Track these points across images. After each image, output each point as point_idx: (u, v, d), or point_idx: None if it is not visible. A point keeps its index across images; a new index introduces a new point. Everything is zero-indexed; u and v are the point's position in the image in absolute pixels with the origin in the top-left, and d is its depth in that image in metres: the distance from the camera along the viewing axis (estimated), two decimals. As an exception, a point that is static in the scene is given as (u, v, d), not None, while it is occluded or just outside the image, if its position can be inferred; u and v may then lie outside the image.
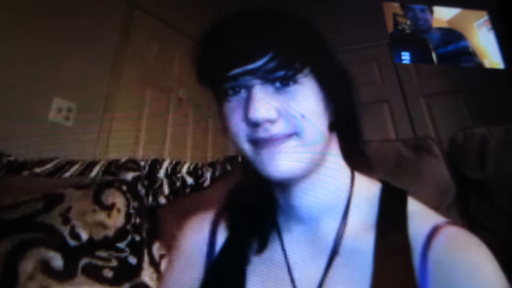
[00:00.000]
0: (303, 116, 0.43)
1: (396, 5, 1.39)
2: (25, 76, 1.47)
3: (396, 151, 0.95)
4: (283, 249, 0.49)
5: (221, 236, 0.54)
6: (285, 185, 0.48)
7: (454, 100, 2.35)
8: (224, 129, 0.47)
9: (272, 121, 0.42)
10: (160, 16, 2.21)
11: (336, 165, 0.50)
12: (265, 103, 0.42)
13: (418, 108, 2.42)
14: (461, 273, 0.40)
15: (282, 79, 0.42)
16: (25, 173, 1.01)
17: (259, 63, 0.41)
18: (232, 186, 0.57)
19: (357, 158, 0.52)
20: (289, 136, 0.43)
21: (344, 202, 0.49)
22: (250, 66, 0.42)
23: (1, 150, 1.07)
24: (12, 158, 1.06)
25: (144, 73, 2.05)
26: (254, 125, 0.42)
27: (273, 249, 0.50)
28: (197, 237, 0.55)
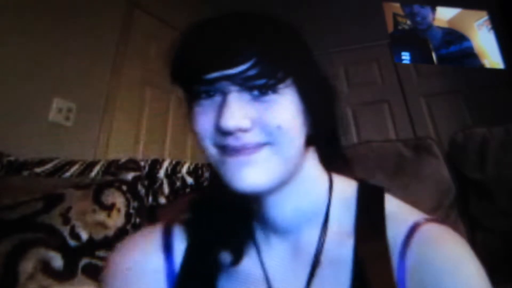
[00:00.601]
0: (279, 127, 0.39)
1: (396, 5, 1.39)
2: (25, 76, 1.47)
3: (396, 151, 0.95)
4: (261, 261, 0.46)
5: (179, 245, 0.49)
6: (255, 196, 0.44)
7: (454, 100, 2.35)
8: (191, 131, 0.43)
9: (244, 130, 0.39)
10: (160, 16, 2.21)
11: (313, 175, 0.48)
12: (239, 111, 0.39)
13: (418, 108, 2.42)
14: (440, 271, 0.39)
15: (261, 88, 0.39)
16: (25, 173, 1.01)
17: (239, 69, 0.38)
18: (201, 190, 0.53)
19: (335, 161, 0.50)
20: (262, 145, 0.40)
21: (323, 209, 0.47)
22: (229, 72, 0.39)
23: (1, 150, 1.07)
24: (12, 158, 1.06)
25: (144, 73, 2.05)
26: (224, 133, 0.39)
27: (249, 260, 0.47)
28: (148, 255, 0.49)
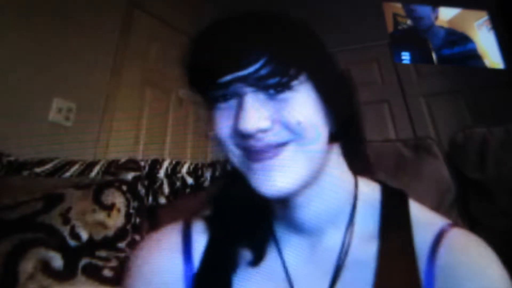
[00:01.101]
0: (299, 123, 0.39)
1: (396, 5, 1.39)
2: (25, 76, 1.47)
3: (396, 151, 0.95)
4: (283, 261, 0.46)
5: (198, 243, 0.49)
6: (282, 199, 0.44)
7: (454, 100, 2.35)
8: (208, 135, 0.43)
9: (264, 131, 0.39)
10: (160, 16, 2.21)
11: (338, 175, 0.47)
12: (257, 112, 0.38)
13: (418, 108, 2.42)
14: (469, 277, 0.40)
15: (275, 86, 0.39)
16: (25, 173, 1.01)
17: (251, 69, 0.38)
18: (219, 188, 0.52)
19: (359, 162, 0.50)
20: (284, 143, 0.39)
21: (347, 210, 0.47)
22: (241, 73, 0.38)
23: (1, 150, 1.07)
24: (12, 158, 1.06)
25: (144, 73, 2.05)
26: (244, 136, 0.39)
27: (270, 259, 0.46)
28: (167, 252, 0.49)
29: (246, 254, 0.46)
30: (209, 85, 0.41)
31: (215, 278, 0.46)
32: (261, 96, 0.40)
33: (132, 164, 1.05)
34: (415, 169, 0.91)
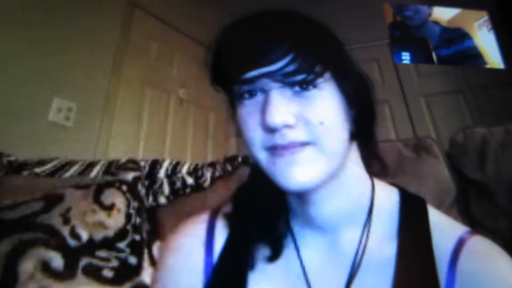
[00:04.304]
0: (321, 123, 0.40)
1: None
2: (25, 76, 1.47)
3: (396, 151, 0.95)
4: (300, 258, 0.47)
5: (220, 237, 0.51)
6: (301, 194, 0.45)
7: (454, 100, 2.35)
8: (237, 134, 0.44)
9: (289, 127, 0.39)
10: (160, 16, 2.21)
11: (356, 173, 0.48)
12: (283, 107, 0.39)
13: (418, 108, 2.42)
14: (489, 284, 0.40)
15: (301, 83, 0.40)
16: (25, 173, 1.01)
17: (278, 65, 0.39)
18: (241, 184, 0.54)
19: (375, 164, 0.51)
20: (305, 144, 0.40)
21: (365, 211, 0.47)
22: (268, 69, 0.39)
23: (1, 150, 1.07)
24: (12, 158, 1.06)
25: (144, 73, 2.05)
26: (271, 130, 0.40)
27: (288, 256, 0.47)
28: (192, 240, 0.51)
29: (264, 250, 0.47)
30: (236, 81, 0.42)
31: (232, 272, 0.47)
32: (287, 92, 0.41)
33: (132, 164, 1.05)
34: (415, 169, 0.91)
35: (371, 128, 0.49)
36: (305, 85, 0.40)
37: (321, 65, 0.40)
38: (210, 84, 0.46)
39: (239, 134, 0.44)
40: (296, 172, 0.40)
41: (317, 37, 0.42)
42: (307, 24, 0.43)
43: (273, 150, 0.41)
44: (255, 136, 0.42)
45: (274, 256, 0.47)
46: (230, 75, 0.42)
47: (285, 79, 0.40)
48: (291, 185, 0.40)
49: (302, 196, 0.46)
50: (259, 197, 0.50)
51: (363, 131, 0.47)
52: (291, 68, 0.39)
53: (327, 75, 0.41)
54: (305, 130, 0.40)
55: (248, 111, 0.42)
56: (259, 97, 0.42)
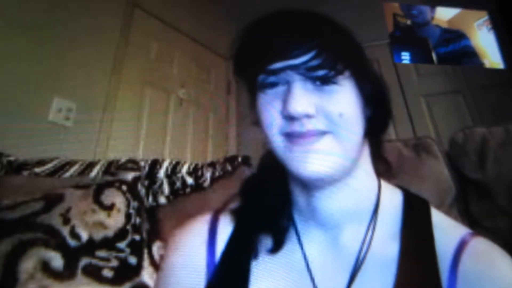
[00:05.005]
0: (341, 115, 0.42)
1: (396, 5, 1.39)
2: (25, 76, 1.47)
3: (396, 151, 0.95)
4: (303, 252, 0.48)
5: (223, 235, 0.52)
6: (310, 186, 0.46)
7: (454, 100, 2.35)
8: (254, 122, 0.46)
9: (309, 116, 0.42)
10: (160, 16, 2.21)
11: (365, 172, 0.49)
12: (305, 98, 0.42)
13: (418, 108, 2.42)
14: (491, 286, 0.41)
15: (322, 78, 0.42)
16: (25, 173, 1.01)
17: (302, 59, 0.42)
18: (248, 176, 0.56)
19: (381, 164, 0.52)
20: (324, 133, 0.42)
21: (370, 210, 0.48)
22: (293, 62, 0.42)
23: (1, 150, 1.07)
24: (12, 158, 1.06)
25: (144, 73, 2.05)
26: (291, 118, 0.42)
27: (290, 250, 0.48)
28: (195, 239, 0.53)
29: (267, 243, 0.48)
30: (263, 71, 0.44)
31: (235, 265, 0.48)
32: (308, 85, 0.43)
33: (132, 164, 1.05)
34: (415, 169, 0.91)
35: (384, 129, 0.51)
36: (326, 80, 0.42)
37: (342, 63, 0.42)
38: (233, 73, 0.49)
39: (256, 122, 0.46)
40: (314, 161, 0.41)
41: (339, 37, 0.45)
42: (331, 24, 0.46)
43: (291, 137, 0.42)
44: (274, 121, 0.43)
45: (275, 247, 0.48)
46: (258, 65, 0.44)
47: (308, 73, 0.42)
48: (306, 172, 0.42)
49: (311, 189, 0.46)
50: (265, 188, 0.51)
51: (376, 131, 0.49)
52: (314, 63, 0.41)
53: (347, 73, 0.43)
54: (325, 120, 0.42)
55: (269, 99, 0.44)
56: (281, 87, 0.44)
